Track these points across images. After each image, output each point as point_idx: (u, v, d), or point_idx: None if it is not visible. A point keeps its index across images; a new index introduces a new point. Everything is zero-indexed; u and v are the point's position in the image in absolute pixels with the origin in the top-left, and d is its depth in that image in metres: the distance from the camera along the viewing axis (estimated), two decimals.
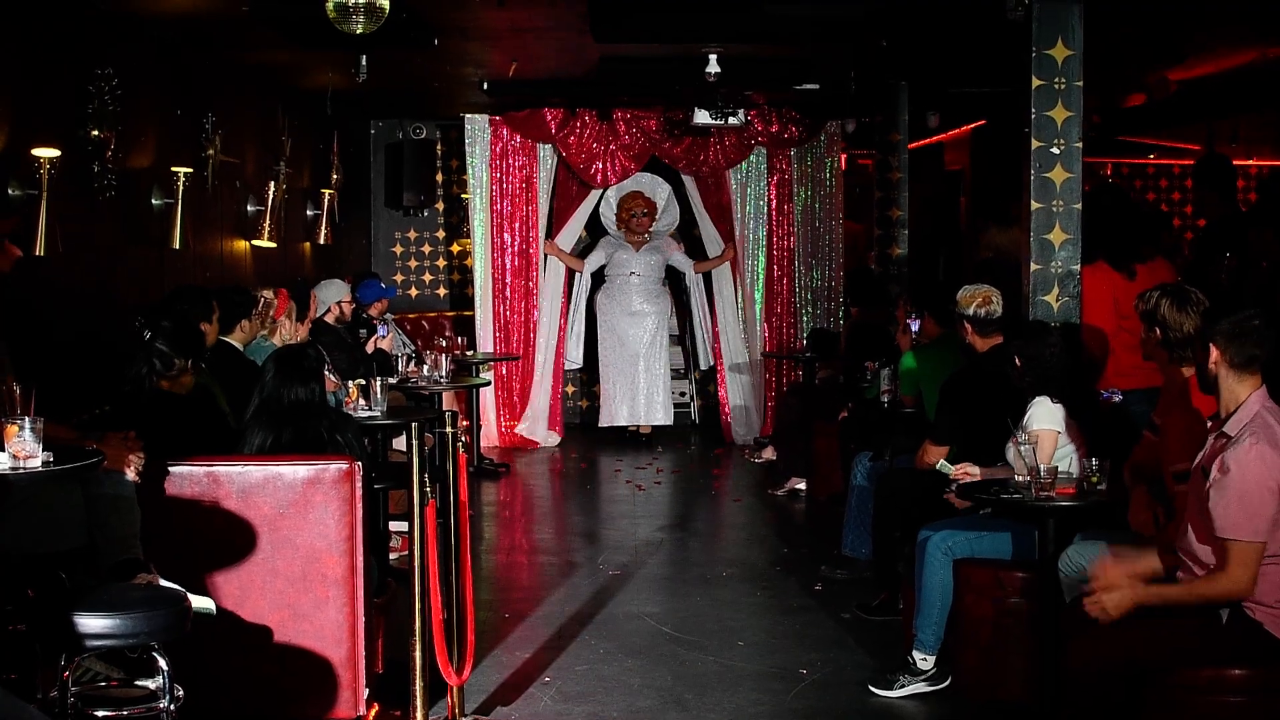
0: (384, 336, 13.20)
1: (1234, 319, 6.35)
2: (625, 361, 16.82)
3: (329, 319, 12.41)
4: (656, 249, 17.02)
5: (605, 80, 13.82)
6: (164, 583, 6.52)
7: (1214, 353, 6.35)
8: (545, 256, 16.80)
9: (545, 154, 16.83)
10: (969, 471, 8.05)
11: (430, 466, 7.31)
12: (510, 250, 16.81)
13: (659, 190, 17.13)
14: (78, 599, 5.93)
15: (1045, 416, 7.80)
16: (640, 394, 16.84)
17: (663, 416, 16.96)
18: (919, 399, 10.18)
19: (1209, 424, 6.60)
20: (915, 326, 10.56)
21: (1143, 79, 13.93)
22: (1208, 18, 11.04)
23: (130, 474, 6.67)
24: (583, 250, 17.42)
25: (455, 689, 7.46)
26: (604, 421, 17.01)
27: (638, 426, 16.97)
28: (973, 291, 9.11)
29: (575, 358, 17.38)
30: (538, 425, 16.93)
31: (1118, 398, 8.87)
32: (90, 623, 5.82)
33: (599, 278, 17.27)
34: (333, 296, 12.63)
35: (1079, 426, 7.92)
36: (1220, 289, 9.76)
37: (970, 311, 9.06)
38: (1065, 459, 7.68)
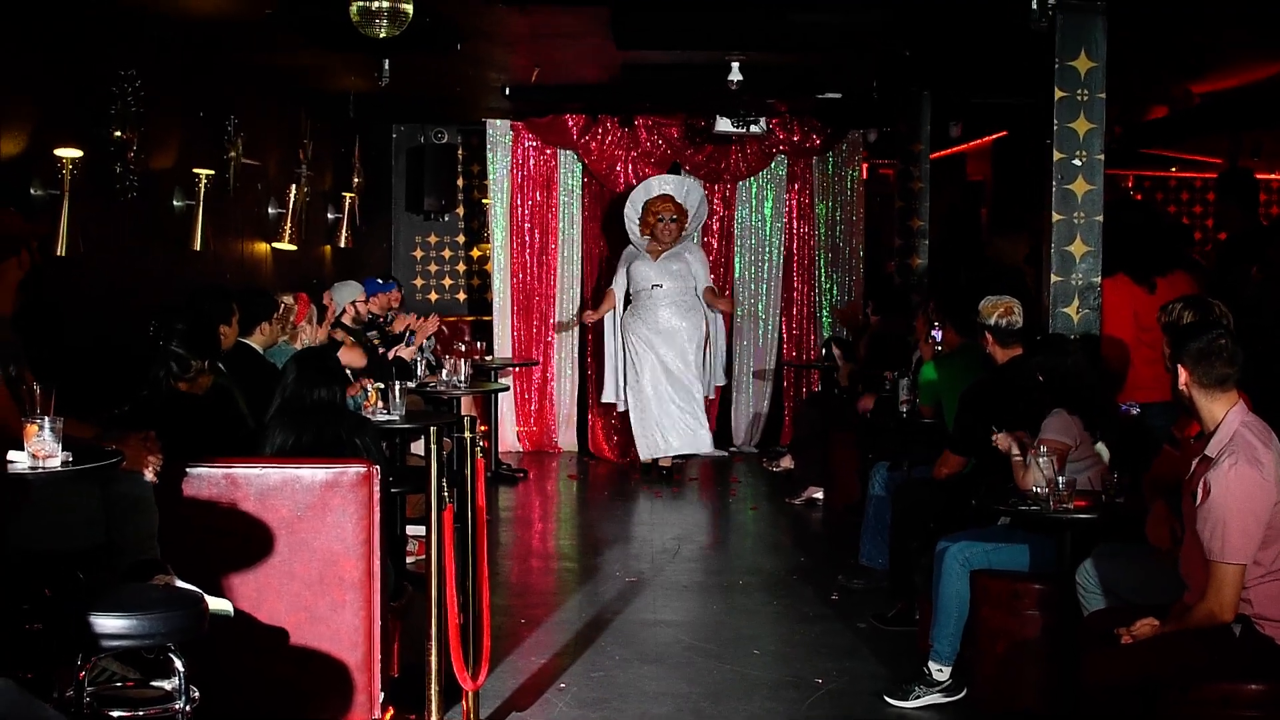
0: (409, 345, 13.24)
1: (1201, 340, 6.35)
2: (659, 386, 15.23)
3: (346, 320, 12.42)
4: (679, 255, 15.47)
5: (627, 87, 13.82)
6: (181, 584, 6.53)
7: (1183, 374, 6.37)
8: (563, 262, 16.77)
9: (567, 160, 16.83)
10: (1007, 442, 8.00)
11: (448, 471, 7.31)
12: (530, 255, 16.81)
13: (691, 193, 15.85)
14: (94, 599, 5.93)
15: (1057, 428, 7.79)
16: (678, 420, 15.20)
17: (707, 443, 15.52)
18: (938, 409, 10.16)
19: (1193, 443, 6.61)
20: (938, 335, 10.55)
21: (1165, 91, 13.91)
22: (1231, 31, 11.02)
23: (149, 475, 6.68)
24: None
25: (471, 694, 7.47)
26: (647, 455, 15.31)
27: (671, 460, 15.32)
28: (995, 302, 9.10)
29: (622, 398, 15.66)
30: (560, 430, 16.95)
31: (1136, 410, 8.86)
32: (107, 623, 5.82)
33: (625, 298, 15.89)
34: (347, 297, 12.67)
35: (1106, 440, 7.90)
36: (1243, 302, 9.74)
37: (992, 321, 9.05)
38: (1080, 472, 7.66)
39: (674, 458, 15.36)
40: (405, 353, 13.11)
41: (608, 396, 16.00)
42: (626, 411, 15.60)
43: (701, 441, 15.38)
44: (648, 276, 15.40)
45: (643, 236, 15.61)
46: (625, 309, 15.67)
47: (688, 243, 15.82)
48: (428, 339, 14.41)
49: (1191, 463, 6.42)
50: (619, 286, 15.75)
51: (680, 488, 14.86)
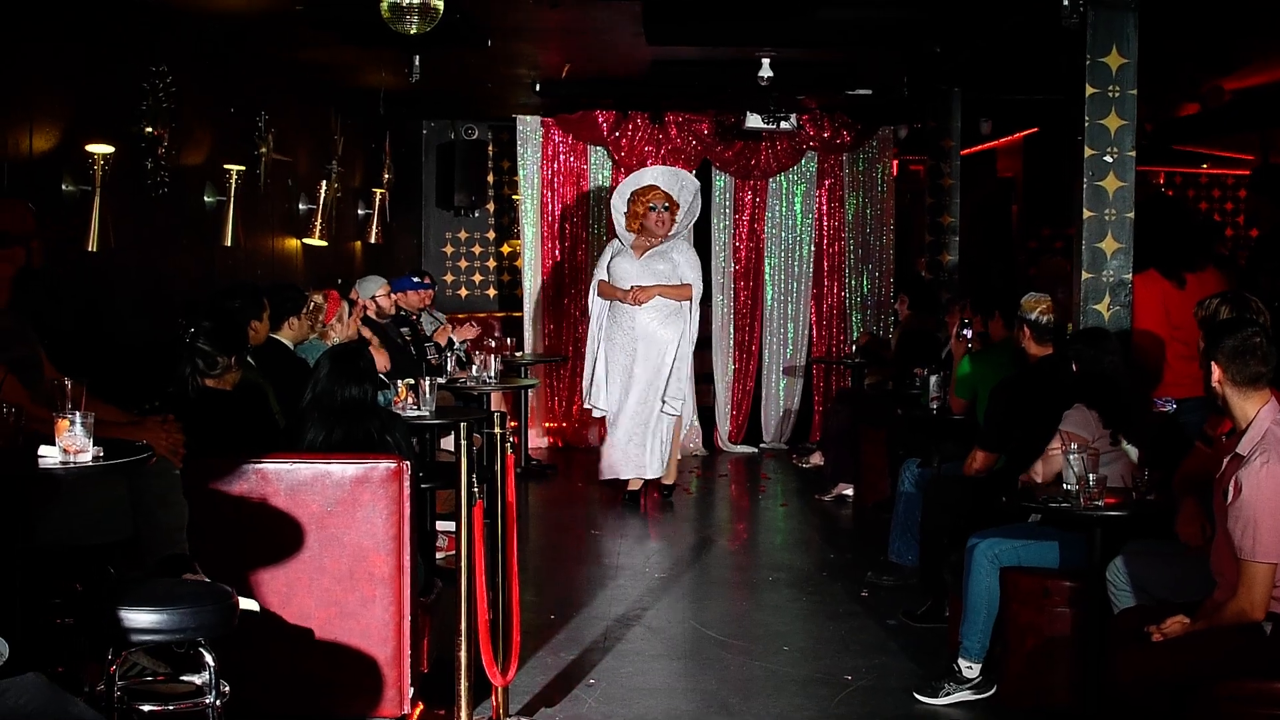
0: (451, 358, 13.25)
1: (1235, 337, 6.33)
2: (629, 399, 13.60)
3: (369, 314, 12.43)
4: (666, 255, 13.64)
5: (657, 83, 13.82)
6: (208, 580, 6.54)
7: (1216, 371, 6.35)
8: (592, 258, 16.71)
9: (597, 156, 16.83)
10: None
11: (478, 467, 7.31)
12: (560, 252, 16.83)
13: (685, 188, 13.98)
14: (125, 593, 5.95)
15: (1076, 421, 7.77)
16: (646, 441, 13.61)
17: (653, 470, 13.65)
18: (974, 404, 10.13)
19: (1224, 440, 6.58)
20: (969, 334, 10.52)
21: (1197, 88, 13.87)
22: (1262, 28, 10.99)
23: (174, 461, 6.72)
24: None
25: (500, 689, 7.47)
26: (607, 474, 13.82)
27: (629, 482, 13.76)
28: (1038, 298, 9.16)
29: (604, 404, 13.85)
30: (590, 426, 16.95)
31: (1170, 407, 8.84)
32: (137, 617, 5.84)
33: None
34: (367, 292, 12.65)
35: (1137, 438, 7.87)
36: (1273, 300, 9.70)
37: (1033, 317, 9.08)
38: (1104, 466, 7.63)
39: (637, 480, 13.73)
40: (434, 359, 13.14)
41: (600, 409, 14.02)
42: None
43: (649, 468, 13.64)
44: (628, 275, 13.62)
45: (629, 230, 13.83)
46: (607, 311, 13.90)
47: (677, 241, 13.85)
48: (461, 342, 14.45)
49: (1223, 460, 6.41)
50: (597, 277, 14.00)
51: (638, 512, 13.46)
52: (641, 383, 13.56)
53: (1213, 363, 6.36)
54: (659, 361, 13.55)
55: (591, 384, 13.93)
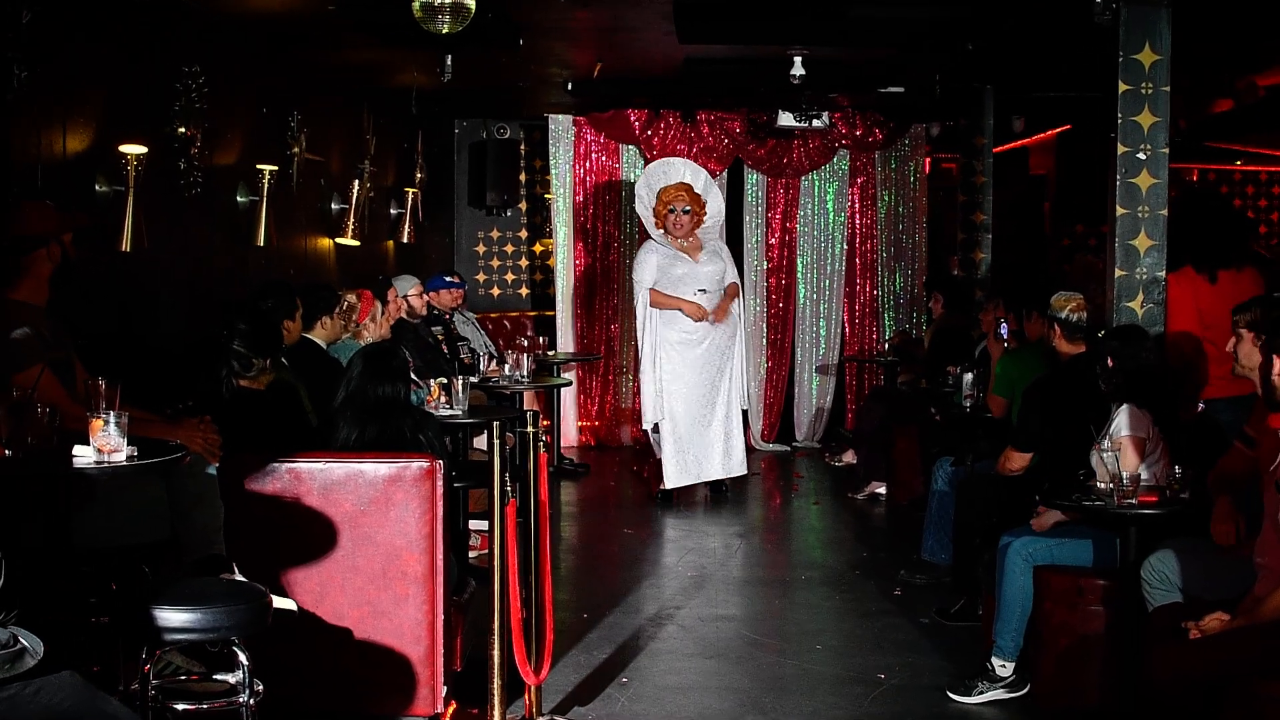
0: (484, 356, 13.24)
1: None
2: (692, 404, 13.46)
3: (402, 314, 12.42)
4: (717, 255, 13.51)
5: (689, 81, 13.79)
6: (242, 580, 6.56)
7: (1277, 364, 6.30)
8: (625, 256, 16.69)
9: (629, 155, 16.83)
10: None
11: (511, 466, 7.31)
12: (593, 250, 16.83)
13: (708, 188, 13.68)
14: (159, 592, 5.97)
15: (1132, 423, 7.74)
16: (716, 442, 13.55)
17: (740, 465, 13.72)
18: (1011, 404, 10.09)
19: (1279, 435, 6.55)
20: (1005, 331, 10.51)
21: (1231, 84, 13.82)
22: None
23: (210, 462, 6.74)
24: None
25: (533, 688, 7.48)
26: (675, 481, 13.52)
27: (662, 481, 13.59)
28: (1068, 296, 9.10)
29: (665, 415, 13.52)
30: (623, 427, 16.95)
31: (1200, 406, 8.81)
32: (171, 616, 5.85)
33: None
34: (401, 291, 12.63)
35: (1164, 435, 7.85)
36: None
37: (1063, 315, 9.03)
38: (1151, 467, 7.62)
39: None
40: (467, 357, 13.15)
41: (651, 419, 13.64)
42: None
43: (732, 466, 13.66)
44: (689, 279, 13.33)
45: (657, 229, 13.55)
46: (658, 315, 13.47)
47: (720, 242, 13.74)
48: (490, 344, 14.45)
49: (1278, 455, 6.37)
50: (644, 281, 13.47)
51: (677, 509, 13.41)
52: (700, 388, 13.44)
53: (1275, 355, 6.33)
54: (720, 364, 13.54)
55: (653, 402, 13.50)
